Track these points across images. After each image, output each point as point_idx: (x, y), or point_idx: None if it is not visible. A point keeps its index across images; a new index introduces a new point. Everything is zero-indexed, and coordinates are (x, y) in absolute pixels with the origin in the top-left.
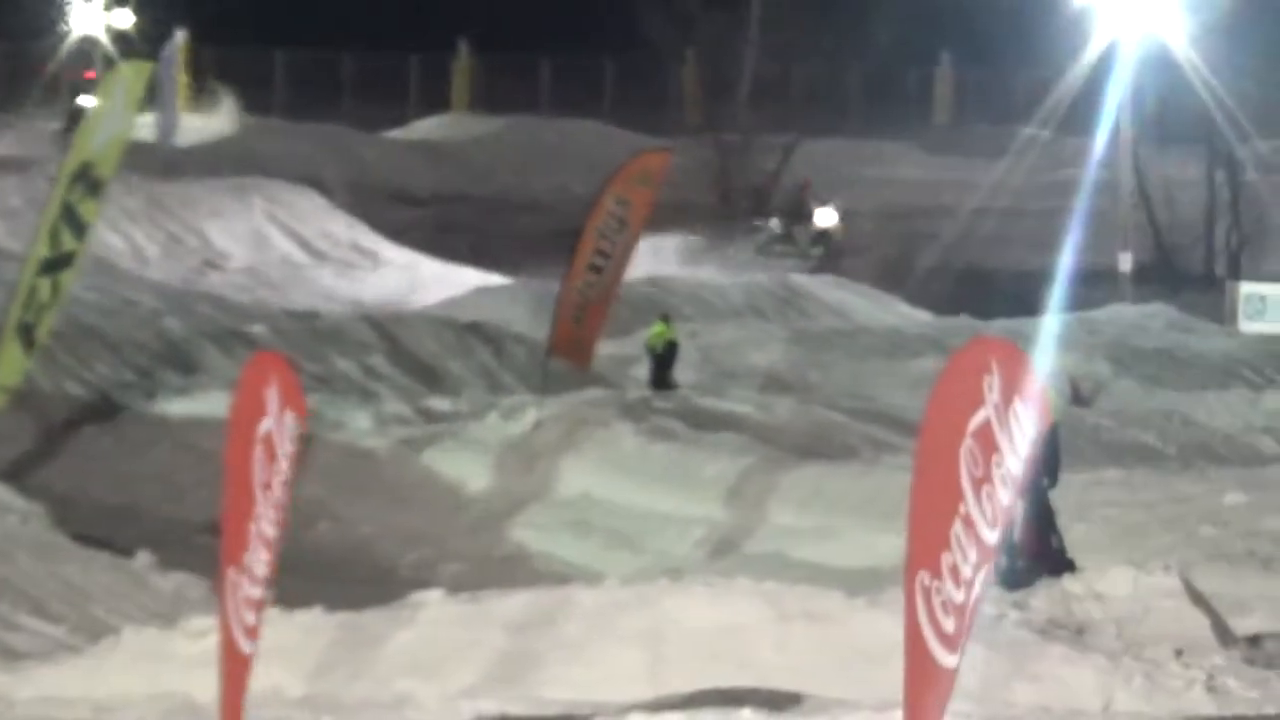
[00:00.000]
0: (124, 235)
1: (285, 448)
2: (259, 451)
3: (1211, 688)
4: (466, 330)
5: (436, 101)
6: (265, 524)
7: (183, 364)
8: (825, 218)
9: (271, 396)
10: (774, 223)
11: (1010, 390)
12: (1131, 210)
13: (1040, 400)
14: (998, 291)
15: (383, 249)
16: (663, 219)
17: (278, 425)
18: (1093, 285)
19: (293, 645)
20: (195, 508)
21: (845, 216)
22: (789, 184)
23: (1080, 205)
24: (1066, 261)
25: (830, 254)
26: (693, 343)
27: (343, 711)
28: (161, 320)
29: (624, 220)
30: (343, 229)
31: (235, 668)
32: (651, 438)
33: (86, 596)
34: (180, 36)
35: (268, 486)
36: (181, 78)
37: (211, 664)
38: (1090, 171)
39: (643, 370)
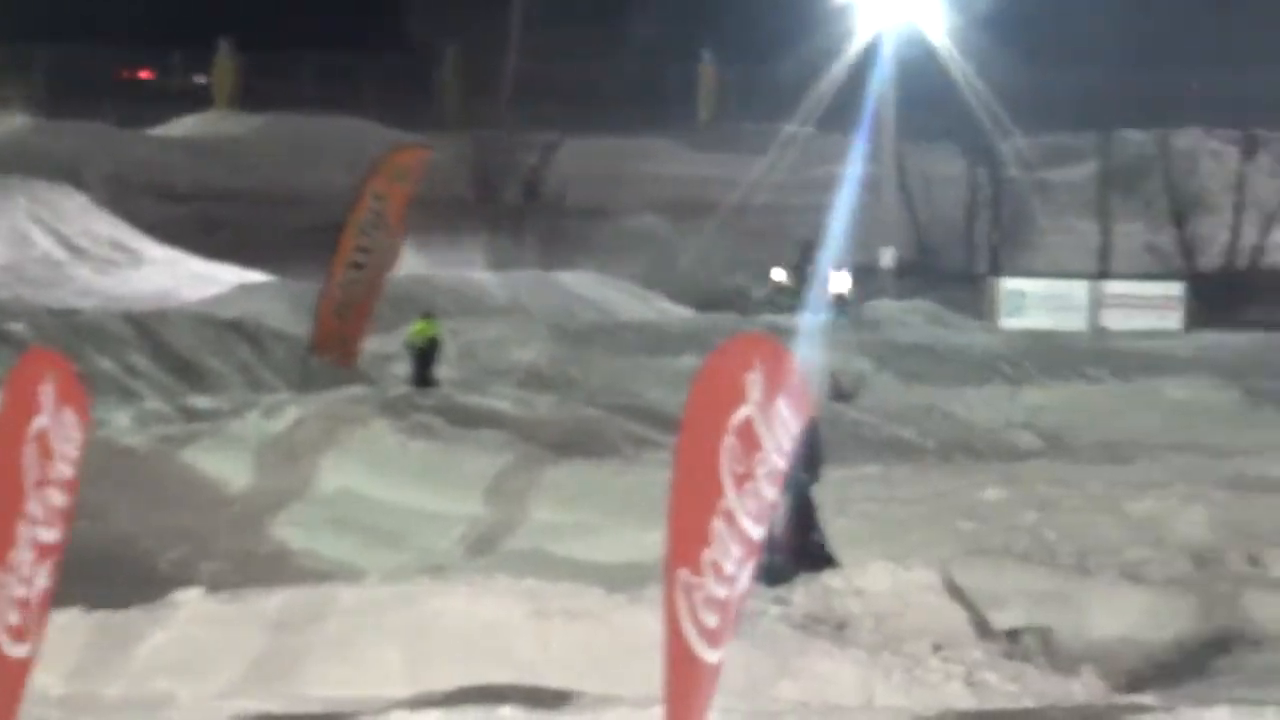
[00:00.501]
0: None
1: (64, 447)
2: (31, 449)
3: (970, 682)
4: (227, 328)
5: (198, 99)
6: (40, 526)
7: None
8: (840, 282)
9: (46, 394)
10: (778, 274)
11: (773, 387)
12: (893, 206)
13: (803, 397)
14: (761, 287)
15: (144, 247)
16: (427, 216)
17: (54, 423)
18: (855, 281)
19: (51, 645)
20: None
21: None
22: (796, 240)
23: (843, 201)
24: (829, 257)
25: (848, 319)
26: (454, 339)
27: (101, 711)
28: None
29: (382, 216)
30: (104, 227)
31: (2, 670)
32: (412, 435)
33: None
34: None
35: (41, 484)
36: None
37: None
38: (852, 167)
39: (404, 367)
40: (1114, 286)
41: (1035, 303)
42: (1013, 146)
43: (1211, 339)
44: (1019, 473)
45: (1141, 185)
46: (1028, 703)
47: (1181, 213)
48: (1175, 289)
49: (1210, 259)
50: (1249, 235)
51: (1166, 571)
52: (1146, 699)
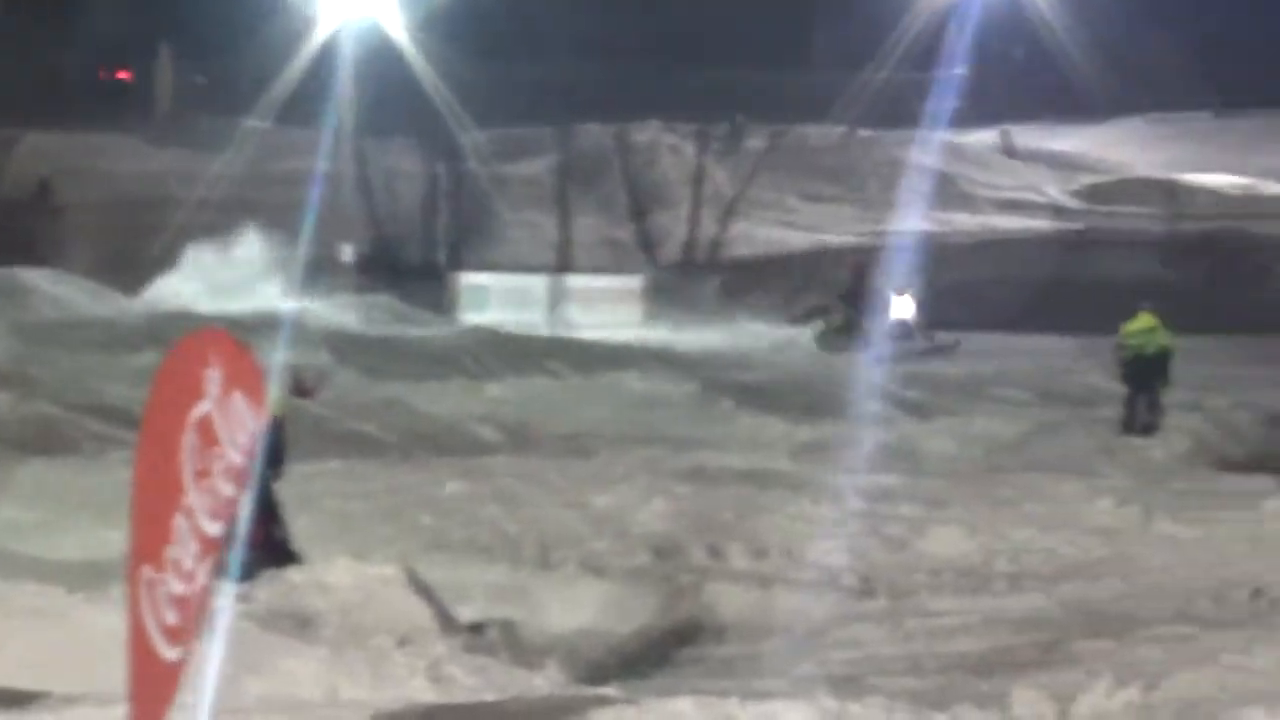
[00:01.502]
0: None
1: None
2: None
3: (434, 676)
4: None
5: None
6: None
7: None
8: (902, 308)
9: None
10: (832, 308)
11: (230, 382)
12: (354, 201)
13: (261, 393)
14: (221, 282)
15: None
16: None
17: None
18: (317, 276)
19: None
20: None
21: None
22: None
23: (304, 196)
24: (292, 252)
25: (930, 347)
26: None
27: None
28: None
29: None
30: None
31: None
32: None
33: None
34: None
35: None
36: None
37: None
38: (313, 162)
39: None
40: (574, 281)
41: (496, 297)
42: (471, 140)
43: (669, 332)
44: (481, 467)
45: (600, 179)
46: (490, 696)
47: (640, 206)
48: (635, 283)
49: (669, 252)
50: (708, 228)
51: (628, 564)
52: (609, 691)
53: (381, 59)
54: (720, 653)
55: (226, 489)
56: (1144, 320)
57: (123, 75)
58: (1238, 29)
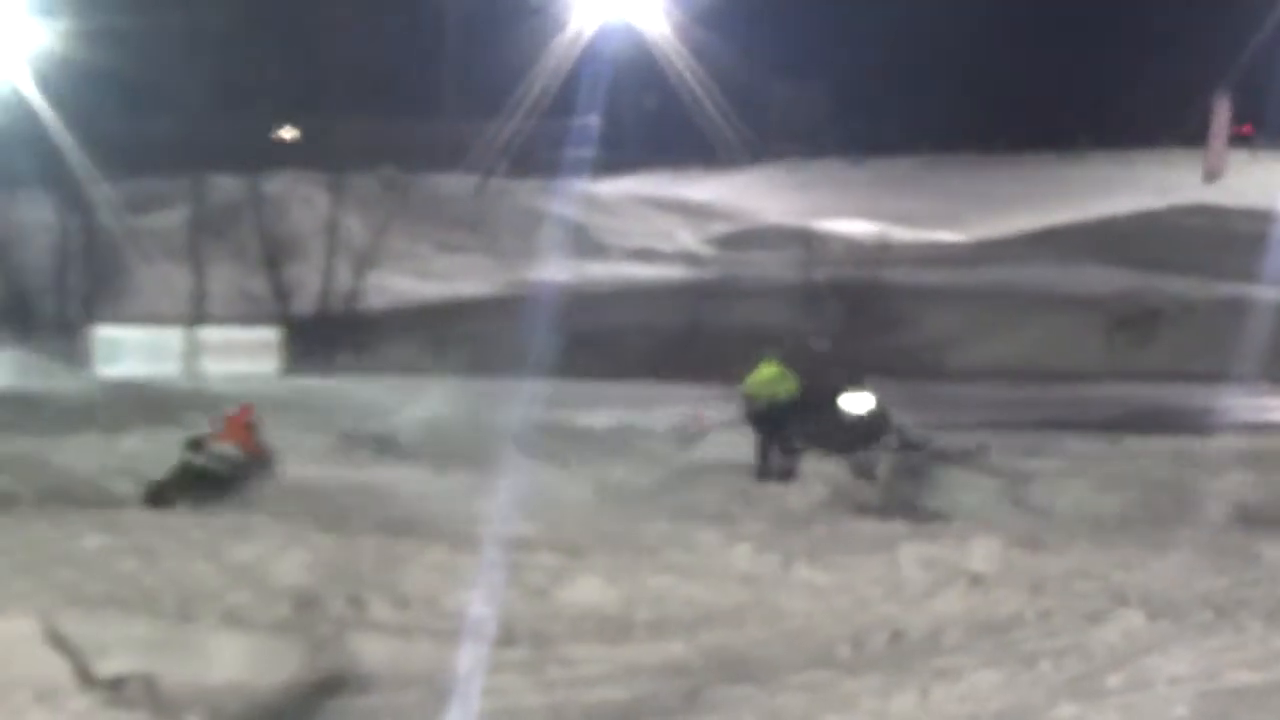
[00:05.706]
0: None
1: None
2: None
3: None
4: None
5: None
6: None
7: None
8: (860, 402)
9: None
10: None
11: None
12: None
13: None
14: None
15: None
16: None
17: None
18: None
19: None
20: None
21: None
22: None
23: None
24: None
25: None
26: None
27: None
28: None
29: None
30: None
31: None
32: None
33: None
34: None
35: None
36: None
37: None
38: None
39: None
40: (210, 333)
41: (131, 350)
42: (102, 193)
43: (306, 383)
44: (119, 520)
45: (234, 230)
46: None
47: (274, 257)
48: (270, 334)
49: (304, 303)
50: (343, 279)
51: (268, 616)
52: None
53: (7, 112)
54: (364, 703)
55: None
56: (768, 369)
57: None
58: (871, 80)
